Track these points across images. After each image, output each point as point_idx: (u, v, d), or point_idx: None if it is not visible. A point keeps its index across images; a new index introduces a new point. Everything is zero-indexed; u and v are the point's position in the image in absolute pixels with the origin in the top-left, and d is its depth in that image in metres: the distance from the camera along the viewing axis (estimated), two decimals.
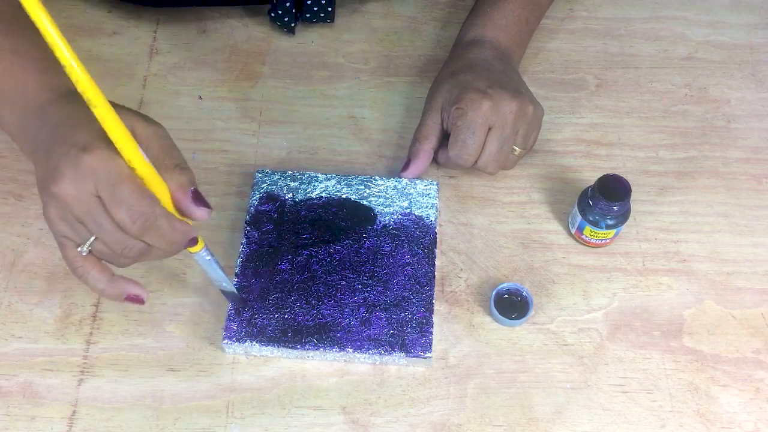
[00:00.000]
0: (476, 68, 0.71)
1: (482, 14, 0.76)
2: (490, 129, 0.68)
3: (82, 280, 0.55)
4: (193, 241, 0.55)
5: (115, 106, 0.50)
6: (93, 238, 0.52)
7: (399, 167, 0.75)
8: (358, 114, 0.79)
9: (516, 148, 0.70)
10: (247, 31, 0.85)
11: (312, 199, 0.70)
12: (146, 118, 0.52)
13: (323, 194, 0.70)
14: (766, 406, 0.63)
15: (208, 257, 0.58)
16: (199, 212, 0.53)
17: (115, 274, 0.55)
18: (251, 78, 0.82)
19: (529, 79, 0.78)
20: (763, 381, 0.64)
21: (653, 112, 0.81)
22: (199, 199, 0.53)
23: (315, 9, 0.81)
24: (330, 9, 0.81)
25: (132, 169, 0.50)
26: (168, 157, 0.52)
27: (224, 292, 0.63)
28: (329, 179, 0.71)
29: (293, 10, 0.80)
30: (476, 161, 0.69)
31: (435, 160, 0.73)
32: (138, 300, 0.56)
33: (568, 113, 0.80)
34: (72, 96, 0.53)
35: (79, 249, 0.53)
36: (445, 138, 0.71)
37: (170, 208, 0.52)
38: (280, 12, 0.80)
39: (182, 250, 0.55)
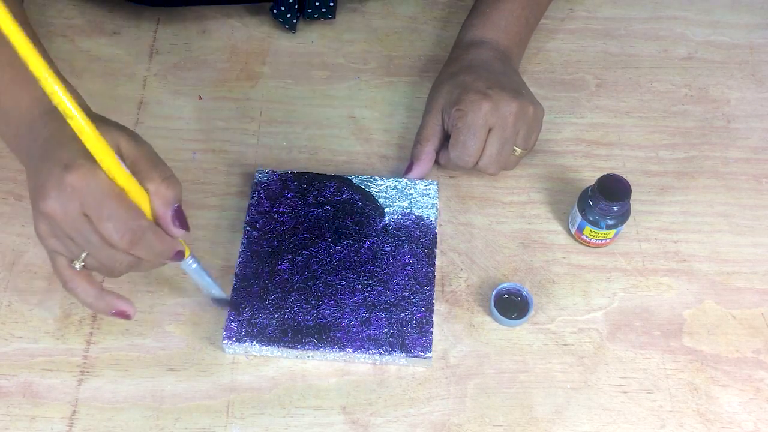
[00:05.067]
0: (476, 69, 0.71)
1: (481, 15, 0.76)
2: (490, 130, 0.68)
3: (71, 294, 0.55)
4: (180, 254, 0.56)
5: (101, 120, 0.51)
6: (85, 253, 0.52)
7: (399, 167, 0.75)
8: (358, 114, 0.79)
9: (517, 149, 0.70)
10: (247, 31, 0.85)
11: (312, 198, 0.70)
12: (132, 134, 0.53)
13: (323, 194, 0.70)
14: (766, 406, 0.63)
15: (194, 265, 0.59)
16: (176, 231, 0.53)
17: (105, 288, 0.56)
18: (251, 78, 0.82)
19: (529, 79, 0.78)
20: (763, 381, 0.64)
21: (653, 112, 0.81)
22: (179, 217, 0.53)
23: (317, 4, 0.81)
24: (332, 4, 0.81)
25: (114, 183, 0.50)
26: (154, 170, 0.52)
27: (214, 299, 0.63)
28: (329, 179, 0.71)
29: (295, 6, 0.81)
30: (477, 162, 0.69)
31: (436, 161, 0.73)
32: (125, 315, 0.56)
33: (568, 113, 0.80)
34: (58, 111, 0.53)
35: (72, 264, 0.53)
36: (446, 139, 0.71)
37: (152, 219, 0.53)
38: (282, 8, 0.81)
39: (170, 260, 0.55)
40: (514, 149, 0.70)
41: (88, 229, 0.51)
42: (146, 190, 0.52)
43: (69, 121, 0.48)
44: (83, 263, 0.53)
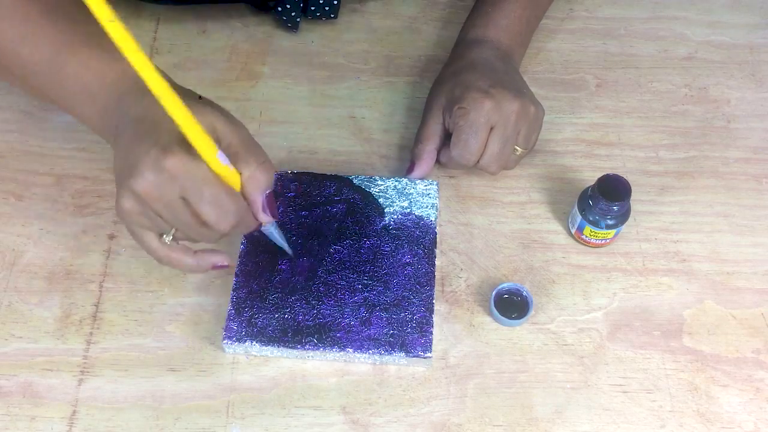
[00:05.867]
0: (478, 68, 0.71)
1: (483, 14, 0.76)
2: (492, 128, 0.68)
3: (167, 265, 0.58)
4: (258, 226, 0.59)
5: (196, 101, 0.53)
6: (174, 229, 0.54)
7: (399, 167, 0.75)
8: (358, 114, 0.79)
9: (517, 148, 0.70)
10: (247, 31, 0.85)
11: (312, 198, 0.70)
12: (227, 115, 0.55)
13: (323, 194, 0.70)
14: (766, 406, 0.63)
15: (272, 229, 0.62)
16: (265, 218, 0.57)
17: (197, 250, 0.58)
18: (251, 78, 0.82)
19: (529, 79, 0.78)
20: (763, 381, 0.64)
21: (653, 112, 0.81)
22: (269, 204, 0.56)
23: (320, 2, 0.81)
24: (336, 2, 0.81)
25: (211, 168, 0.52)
26: (250, 154, 0.54)
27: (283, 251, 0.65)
28: (329, 179, 0.71)
29: (300, 5, 0.81)
30: (478, 161, 0.69)
31: (437, 160, 0.73)
32: (223, 267, 0.60)
33: (568, 113, 0.80)
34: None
35: (163, 238, 0.55)
36: (447, 138, 0.71)
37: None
38: (288, 6, 0.81)
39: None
40: (514, 149, 0.70)
41: (184, 211, 0.52)
42: (240, 173, 0.54)
43: (165, 107, 0.49)
44: (172, 236, 0.55)
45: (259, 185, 0.55)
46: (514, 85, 0.70)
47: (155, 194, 0.51)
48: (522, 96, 0.68)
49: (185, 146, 0.51)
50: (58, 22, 0.57)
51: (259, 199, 0.55)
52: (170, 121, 0.50)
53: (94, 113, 0.57)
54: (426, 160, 0.72)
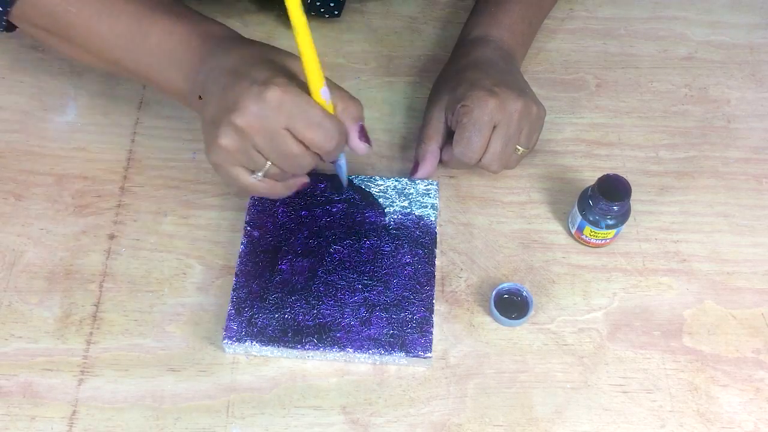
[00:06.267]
0: (482, 66, 0.71)
1: (487, 13, 0.76)
2: (495, 127, 0.67)
3: (265, 196, 0.61)
4: None
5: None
6: (268, 164, 0.57)
7: (400, 167, 0.75)
8: None
9: (519, 148, 0.70)
10: (247, 31, 0.85)
11: (312, 198, 0.70)
12: None
13: (324, 193, 0.70)
14: (766, 406, 0.63)
15: (343, 162, 0.66)
16: (362, 147, 0.59)
17: (284, 180, 0.60)
18: None
19: (530, 79, 0.78)
20: (763, 381, 0.64)
21: (653, 112, 0.81)
22: (363, 134, 0.59)
23: None
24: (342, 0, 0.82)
25: (310, 96, 0.55)
26: (340, 89, 0.58)
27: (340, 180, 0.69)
28: (329, 179, 0.71)
29: (308, 1, 0.81)
30: (480, 159, 0.69)
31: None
32: (306, 184, 0.63)
33: (568, 113, 0.80)
34: (233, 41, 0.59)
35: (254, 176, 0.58)
36: (449, 136, 0.71)
37: None
38: None
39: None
40: (516, 148, 0.69)
41: (285, 141, 0.55)
42: (334, 106, 0.57)
43: (298, 33, 0.52)
44: (265, 173, 0.57)
45: (352, 115, 0.58)
46: (517, 85, 0.70)
47: (258, 126, 0.53)
48: (525, 96, 0.68)
49: (284, 78, 0.54)
50: None
51: (354, 127, 0.58)
52: (266, 61, 0.55)
53: (179, 77, 0.60)
54: (430, 159, 0.71)
